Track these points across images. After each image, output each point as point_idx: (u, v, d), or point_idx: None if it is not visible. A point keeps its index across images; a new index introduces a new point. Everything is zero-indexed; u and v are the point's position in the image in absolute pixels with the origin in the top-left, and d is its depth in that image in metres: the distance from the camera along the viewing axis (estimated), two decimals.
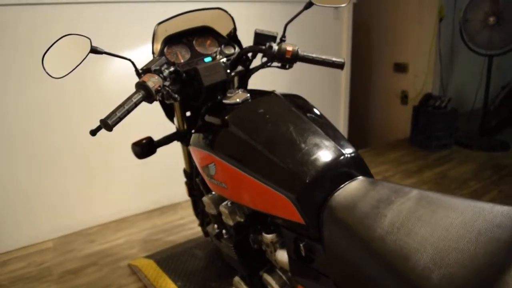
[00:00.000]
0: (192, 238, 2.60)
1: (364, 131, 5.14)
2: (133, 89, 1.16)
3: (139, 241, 2.68)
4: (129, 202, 3.00)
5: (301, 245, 1.07)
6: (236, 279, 1.47)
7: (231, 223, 1.29)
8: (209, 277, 2.15)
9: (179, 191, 3.13)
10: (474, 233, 0.77)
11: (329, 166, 1.04)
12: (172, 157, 2.98)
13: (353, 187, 1.02)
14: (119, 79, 2.69)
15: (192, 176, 1.81)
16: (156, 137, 1.54)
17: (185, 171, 1.88)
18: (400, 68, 4.51)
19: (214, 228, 1.44)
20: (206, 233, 2.08)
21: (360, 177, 1.07)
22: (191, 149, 1.38)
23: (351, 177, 1.06)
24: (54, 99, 2.55)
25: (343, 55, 3.86)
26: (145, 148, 1.48)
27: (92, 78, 2.63)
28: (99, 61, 2.23)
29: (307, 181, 1.02)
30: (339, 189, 1.03)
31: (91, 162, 2.78)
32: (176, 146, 2.89)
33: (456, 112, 4.23)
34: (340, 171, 1.05)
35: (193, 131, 1.45)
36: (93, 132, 1.14)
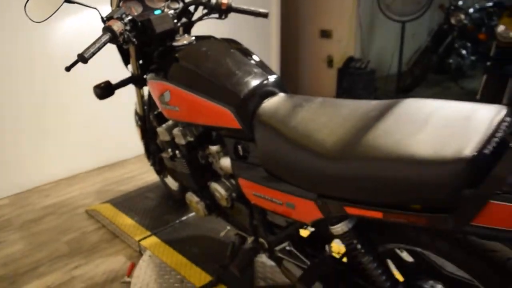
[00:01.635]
0: (143, 186, 2.87)
1: (294, 93, 5.57)
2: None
3: (93, 192, 2.91)
4: (80, 160, 3.20)
5: (239, 146, 1.42)
6: (188, 194, 1.79)
7: (183, 142, 1.60)
8: (162, 212, 2.46)
9: (126, 149, 3.39)
10: (353, 118, 1.15)
11: (258, 85, 1.39)
12: (118, 117, 3.23)
13: (275, 100, 1.38)
14: (72, 39, 2.86)
15: (144, 118, 2.09)
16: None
17: (137, 114, 2.15)
18: (325, 34, 4.95)
19: (168, 152, 1.74)
20: (157, 172, 2.38)
21: (281, 94, 1.43)
22: (149, 83, 1.66)
23: (274, 94, 1.42)
24: (11, 54, 2.67)
25: (272, 20, 4.22)
26: (104, 90, 1.74)
27: (49, 33, 2.78)
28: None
29: (242, 97, 1.36)
30: (265, 101, 1.38)
31: (44, 122, 2.94)
32: (122, 110, 3.14)
33: (374, 72, 4.76)
34: (265, 89, 1.40)
35: (147, 73, 1.73)
36: (68, 68, 1.40)
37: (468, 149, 0.87)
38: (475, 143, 0.88)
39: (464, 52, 5.64)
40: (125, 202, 2.60)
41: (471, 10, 5.24)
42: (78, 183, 3.08)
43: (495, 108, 0.99)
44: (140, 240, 2.18)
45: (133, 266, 2.04)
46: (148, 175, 3.10)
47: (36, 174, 3.01)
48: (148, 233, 2.24)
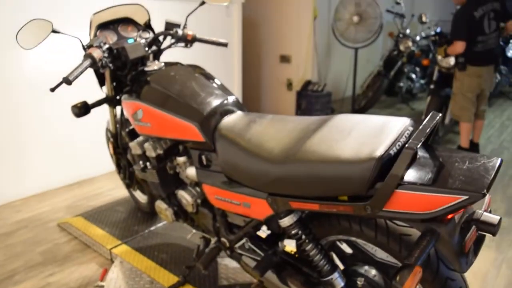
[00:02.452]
0: (112, 201, 3.04)
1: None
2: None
3: (63, 207, 3.05)
4: (50, 177, 3.33)
5: (203, 157, 1.66)
6: (158, 202, 1.99)
7: (153, 154, 1.82)
8: (132, 223, 2.63)
9: (95, 167, 3.55)
10: (295, 130, 1.42)
11: (218, 105, 1.64)
12: (87, 138, 3.40)
13: (233, 117, 1.63)
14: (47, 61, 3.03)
15: (116, 135, 2.29)
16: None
17: (109, 132, 2.34)
18: (285, 59, 5.30)
19: (139, 164, 1.94)
20: (127, 185, 2.57)
21: (238, 111, 1.68)
22: (124, 103, 1.87)
23: (232, 112, 1.67)
24: None
25: (234, 48, 4.51)
26: (81, 109, 1.94)
27: (27, 56, 2.94)
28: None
29: (205, 114, 1.60)
30: (225, 118, 1.63)
31: (17, 140, 3.07)
32: (90, 131, 3.31)
33: (330, 95, 5.12)
34: (225, 108, 1.66)
35: (120, 94, 1.95)
36: (53, 89, 1.60)
37: (378, 151, 1.15)
38: (383, 146, 1.16)
39: (413, 76, 6.13)
40: (95, 215, 2.76)
41: (417, 38, 5.74)
42: (49, 199, 3.20)
43: (403, 120, 1.28)
44: (111, 248, 2.34)
45: (105, 271, 2.21)
46: (116, 191, 3.26)
47: (6, 191, 3.11)
48: (119, 242, 2.41)
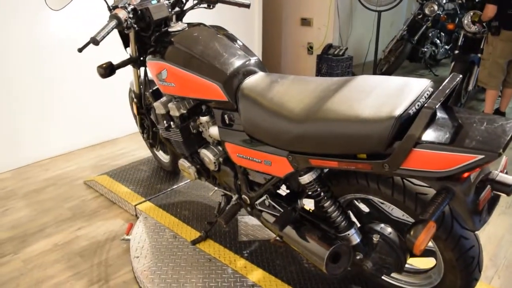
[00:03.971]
0: (135, 160, 3.13)
1: None
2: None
3: (89, 166, 3.16)
4: (75, 138, 3.44)
5: (225, 116, 1.71)
6: (181, 160, 2.06)
7: (177, 114, 1.87)
8: (155, 182, 2.73)
9: (117, 129, 3.64)
10: (317, 90, 1.44)
11: (241, 65, 1.67)
12: (111, 100, 3.48)
13: (255, 77, 1.66)
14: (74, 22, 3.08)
15: (140, 96, 2.35)
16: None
17: (133, 93, 2.40)
18: (306, 22, 5.23)
19: (163, 124, 2.00)
20: (151, 145, 2.65)
21: (260, 72, 1.71)
22: (148, 63, 1.91)
23: (254, 72, 1.70)
24: (17, 38, 2.89)
25: (255, 10, 4.47)
26: (107, 69, 1.99)
27: (54, 17, 3.00)
28: None
29: (228, 74, 1.64)
30: (247, 78, 1.66)
31: (43, 103, 3.17)
32: (113, 93, 3.38)
33: (351, 59, 5.06)
34: (247, 68, 1.69)
35: (145, 55, 1.99)
36: (81, 49, 1.65)
37: (397, 110, 1.17)
38: (402, 106, 1.18)
39: (438, 41, 5.97)
40: (120, 174, 2.86)
41: (444, 1, 5.56)
42: (74, 158, 3.32)
43: (423, 81, 1.29)
44: (136, 205, 2.45)
45: (131, 226, 2.32)
46: (139, 152, 3.35)
47: (35, 151, 3.24)
48: (143, 199, 2.51)
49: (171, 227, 2.24)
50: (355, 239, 1.51)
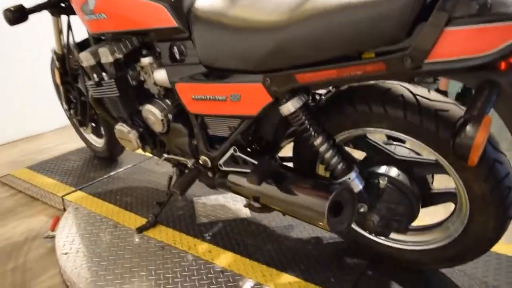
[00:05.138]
0: (64, 153, 2.62)
1: None
2: None
3: (7, 162, 2.60)
4: None
5: (175, 48, 1.31)
6: (118, 126, 1.62)
7: (111, 59, 1.45)
8: (88, 171, 2.24)
9: (43, 122, 3.12)
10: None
11: None
12: (34, 91, 2.98)
13: None
14: None
15: (63, 57, 1.89)
16: None
17: (55, 55, 1.94)
18: None
19: (94, 78, 1.57)
20: (79, 123, 2.17)
21: None
22: None
23: None
24: None
25: None
26: (16, 13, 1.54)
27: None
28: None
29: None
30: None
31: None
32: (36, 84, 2.89)
33: None
34: None
35: None
36: None
37: None
38: None
39: None
40: (44, 166, 2.34)
41: None
42: None
43: None
44: (64, 196, 1.96)
45: (57, 220, 1.83)
46: (66, 146, 2.81)
47: None
48: (73, 189, 2.02)
49: (110, 216, 1.78)
50: (357, 185, 1.17)
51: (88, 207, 1.85)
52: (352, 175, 1.15)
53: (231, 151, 1.34)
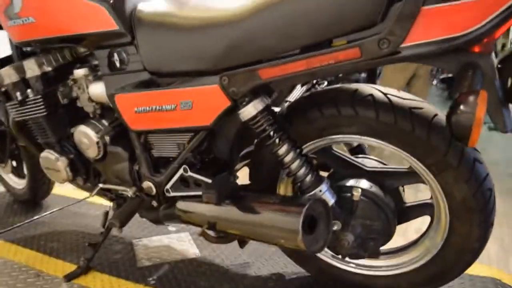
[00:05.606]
0: None
1: None
2: None
3: None
4: None
5: (115, 56, 1.15)
6: (43, 153, 1.38)
7: (38, 73, 1.25)
8: (5, 216, 1.92)
9: None
10: None
11: None
12: None
13: None
14: None
15: None
16: None
17: None
18: None
19: (17, 97, 1.34)
20: None
21: None
22: None
23: None
24: None
25: None
26: None
27: None
28: None
29: None
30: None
31: None
32: None
33: None
34: None
35: None
36: None
37: None
38: None
39: None
40: None
41: None
42: None
43: None
44: None
45: None
46: None
47: None
48: None
49: (31, 264, 1.49)
50: (329, 198, 1.03)
51: (4, 255, 1.54)
52: (323, 187, 1.02)
53: (180, 171, 1.16)
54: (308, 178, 1.02)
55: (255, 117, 0.99)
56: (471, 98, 0.70)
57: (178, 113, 1.07)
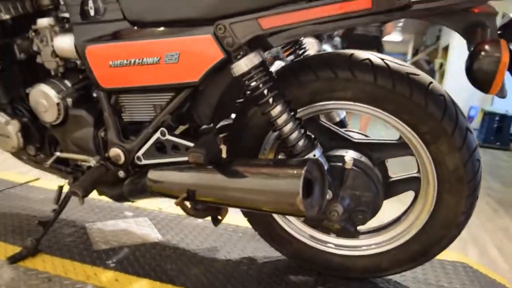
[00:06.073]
0: None
1: None
2: None
3: None
4: None
5: (89, 2, 1.03)
6: None
7: None
8: None
9: None
10: None
11: None
12: None
13: None
14: None
15: None
16: None
17: None
18: None
19: None
20: None
21: None
22: None
23: None
24: None
25: None
26: None
27: None
28: None
29: None
30: None
31: None
32: None
33: None
34: None
35: None
36: None
37: None
38: None
39: None
40: None
41: None
42: None
43: None
44: None
45: None
46: None
47: None
48: None
49: None
50: (324, 162, 0.98)
51: None
52: (316, 152, 0.97)
53: (156, 135, 1.06)
54: (301, 142, 0.96)
55: (249, 72, 0.92)
56: (494, 43, 0.69)
57: (161, 68, 0.98)
